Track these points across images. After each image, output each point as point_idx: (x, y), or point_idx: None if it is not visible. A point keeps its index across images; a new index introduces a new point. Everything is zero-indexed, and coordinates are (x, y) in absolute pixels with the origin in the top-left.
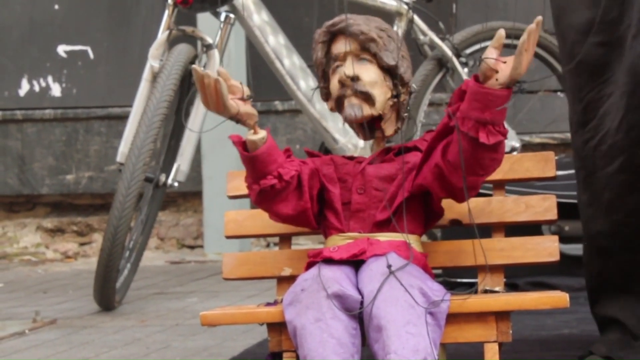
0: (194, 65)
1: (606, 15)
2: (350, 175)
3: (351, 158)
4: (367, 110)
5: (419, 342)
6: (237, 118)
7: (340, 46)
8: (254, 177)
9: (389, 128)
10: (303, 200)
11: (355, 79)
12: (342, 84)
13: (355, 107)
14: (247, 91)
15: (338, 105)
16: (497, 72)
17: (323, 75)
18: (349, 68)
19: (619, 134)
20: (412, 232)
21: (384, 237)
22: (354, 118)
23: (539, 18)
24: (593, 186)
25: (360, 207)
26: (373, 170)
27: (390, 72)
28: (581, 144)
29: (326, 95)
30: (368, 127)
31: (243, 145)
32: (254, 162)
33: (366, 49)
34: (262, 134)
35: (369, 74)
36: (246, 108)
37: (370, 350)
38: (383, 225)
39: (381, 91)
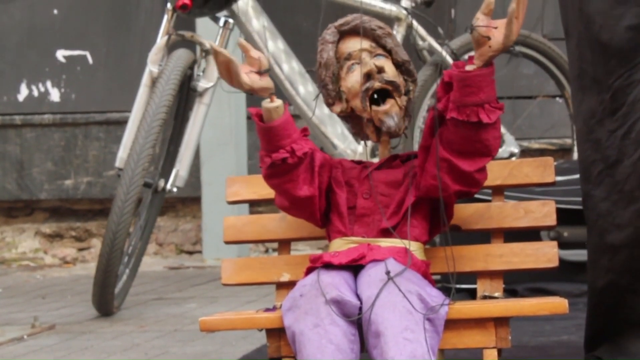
0: (212, 43)
1: None
2: (356, 179)
3: (358, 162)
4: (397, 110)
5: (417, 349)
6: (252, 92)
7: (353, 44)
8: (267, 150)
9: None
10: (313, 187)
11: (381, 70)
12: (367, 77)
13: (395, 117)
14: (265, 64)
15: (363, 99)
16: (489, 38)
17: (332, 77)
18: (372, 62)
19: None
20: (416, 239)
21: (385, 242)
22: (394, 129)
23: None
24: (614, 177)
25: (365, 211)
26: (379, 175)
27: (401, 68)
28: (606, 134)
29: (333, 99)
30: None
31: (260, 117)
32: (269, 133)
33: (381, 45)
34: (277, 102)
35: (389, 68)
36: (261, 82)
37: (369, 356)
38: (387, 232)
39: (401, 84)
